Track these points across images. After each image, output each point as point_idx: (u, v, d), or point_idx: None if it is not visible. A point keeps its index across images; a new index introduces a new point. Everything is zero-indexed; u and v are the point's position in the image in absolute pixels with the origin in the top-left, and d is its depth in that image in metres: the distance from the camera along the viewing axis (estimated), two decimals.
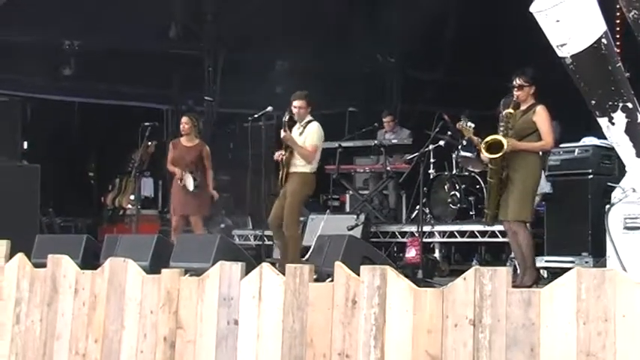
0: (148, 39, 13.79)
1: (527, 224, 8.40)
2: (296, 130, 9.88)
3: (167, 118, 14.89)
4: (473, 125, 8.84)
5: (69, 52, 13.69)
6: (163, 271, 5.78)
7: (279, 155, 9.79)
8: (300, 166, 9.72)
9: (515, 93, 8.37)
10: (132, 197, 13.47)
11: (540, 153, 8.47)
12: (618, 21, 10.55)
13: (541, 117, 8.29)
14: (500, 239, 9.94)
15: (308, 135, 9.75)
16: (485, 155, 8.31)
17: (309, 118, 9.88)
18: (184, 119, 11.17)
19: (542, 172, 9.00)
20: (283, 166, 9.73)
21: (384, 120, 13.03)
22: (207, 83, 14.64)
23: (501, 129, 8.33)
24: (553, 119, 9.09)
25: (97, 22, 13.28)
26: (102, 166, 15.07)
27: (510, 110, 8.34)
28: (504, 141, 8.12)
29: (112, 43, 13.52)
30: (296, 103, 9.83)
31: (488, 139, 8.29)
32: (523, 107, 8.39)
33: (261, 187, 11.29)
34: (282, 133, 9.75)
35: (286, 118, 9.81)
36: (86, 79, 13.90)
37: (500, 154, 8.15)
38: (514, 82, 8.36)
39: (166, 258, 8.15)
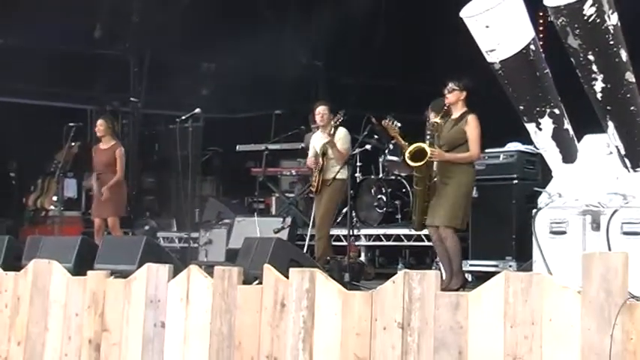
0: (72, 38, 13.61)
1: (454, 231, 8.43)
2: (320, 137, 10.01)
3: (91, 119, 14.71)
4: (399, 125, 8.88)
5: None
6: (89, 272, 5.72)
7: (312, 162, 9.98)
8: (336, 172, 9.81)
9: (446, 96, 8.41)
10: (54, 198, 13.28)
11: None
12: (541, 28, 10.71)
13: (471, 127, 8.31)
14: (426, 243, 9.99)
15: (339, 140, 9.87)
16: (409, 163, 8.34)
17: (333, 124, 9.97)
18: (99, 122, 11.11)
19: None
20: (319, 172, 9.87)
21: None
22: (133, 84, 14.50)
23: (428, 137, 8.36)
24: None
25: (20, 20, 13.08)
26: (24, 166, 14.82)
27: (437, 120, 8.37)
28: (427, 149, 8.15)
29: (37, 42, 13.32)
30: (320, 109, 10.01)
31: (412, 147, 8.32)
32: (454, 116, 8.42)
33: (186, 189, 11.19)
34: (324, 139, 9.89)
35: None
36: (7, 78, 13.66)
37: (422, 162, 8.18)
38: (447, 86, 8.41)
39: (91, 260, 8.04)
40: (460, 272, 8.44)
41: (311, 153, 10.22)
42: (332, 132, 9.94)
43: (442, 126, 8.36)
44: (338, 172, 9.82)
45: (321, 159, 9.90)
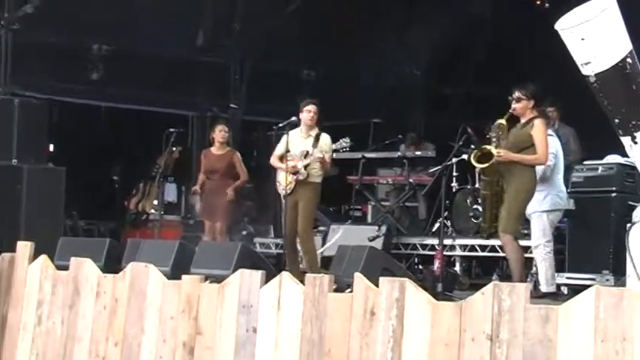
0: (175, 45, 13.86)
1: (513, 238, 8.35)
2: (302, 138, 9.82)
3: (192, 125, 14.94)
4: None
5: (97, 55, 13.76)
6: (184, 277, 5.82)
7: (292, 168, 9.66)
8: (315, 175, 9.73)
9: (513, 105, 8.36)
10: (155, 202, 13.52)
11: (536, 168, 8.44)
12: None
13: (538, 130, 8.25)
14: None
15: (325, 147, 9.71)
16: (475, 165, 8.34)
17: (316, 128, 9.85)
18: (222, 127, 11.21)
19: (564, 188, 9.00)
20: (294, 174, 9.66)
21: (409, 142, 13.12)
22: (233, 91, 14.69)
23: (493, 140, 8.31)
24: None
25: (125, 27, 13.37)
26: (126, 170, 15.13)
27: (502, 121, 8.31)
28: (494, 151, 8.12)
29: (140, 49, 13.60)
30: (311, 107, 9.78)
31: (477, 150, 8.30)
32: (523, 120, 8.40)
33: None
34: (310, 142, 9.71)
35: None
36: (113, 84, 13.95)
37: (488, 164, 8.14)
38: (513, 95, 8.36)
39: (187, 264, 8.20)
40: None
41: (279, 150, 9.93)
42: (316, 137, 9.69)
43: (506, 128, 8.30)
44: (317, 175, 9.67)
45: (303, 167, 9.60)
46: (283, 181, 9.74)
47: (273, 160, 10.03)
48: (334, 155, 10.19)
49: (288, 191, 9.70)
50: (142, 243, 9.26)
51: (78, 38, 13.47)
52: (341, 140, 9.95)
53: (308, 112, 9.77)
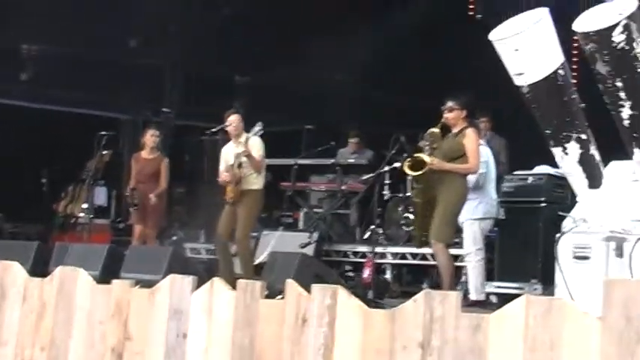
0: (108, 47, 13.73)
1: (444, 246, 8.43)
2: (233, 147, 9.99)
3: (124, 128, 14.81)
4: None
5: (27, 56, 13.57)
6: (114, 281, 5.73)
7: (227, 176, 9.83)
8: (253, 182, 9.82)
9: (445, 115, 8.45)
10: (84, 206, 13.36)
11: (468, 177, 8.52)
12: (576, 52, 10.70)
13: (470, 139, 8.36)
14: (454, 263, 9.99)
15: (254, 147, 9.86)
16: (408, 173, 8.40)
17: (244, 134, 9.99)
18: (153, 132, 11.23)
19: (496, 196, 9.10)
20: (236, 183, 9.76)
21: (350, 140, 13.06)
22: (166, 95, 14.59)
23: (426, 148, 8.39)
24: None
25: (56, 28, 13.21)
26: (55, 172, 14.93)
27: (435, 129, 8.39)
28: (426, 159, 8.19)
29: (72, 50, 13.44)
30: (232, 119, 10.01)
31: (411, 158, 8.37)
32: (454, 130, 8.48)
33: (215, 200, 11.26)
34: (240, 149, 9.83)
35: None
36: (43, 85, 13.78)
37: (421, 171, 8.21)
38: (446, 105, 8.44)
39: (117, 268, 8.13)
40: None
41: (222, 166, 10.13)
42: (245, 141, 9.86)
43: (439, 137, 8.38)
44: (255, 182, 9.85)
45: (237, 170, 9.80)
46: (228, 193, 9.88)
47: (221, 179, 10.14)
48: (267, 161, 10.25)
49: (233, 201, 9.82)
50: (71, 246, 9.16)
51: (7, 37, 13.28)
52: (254, 127, 10.00)
53: (230, 124, 9.98)
